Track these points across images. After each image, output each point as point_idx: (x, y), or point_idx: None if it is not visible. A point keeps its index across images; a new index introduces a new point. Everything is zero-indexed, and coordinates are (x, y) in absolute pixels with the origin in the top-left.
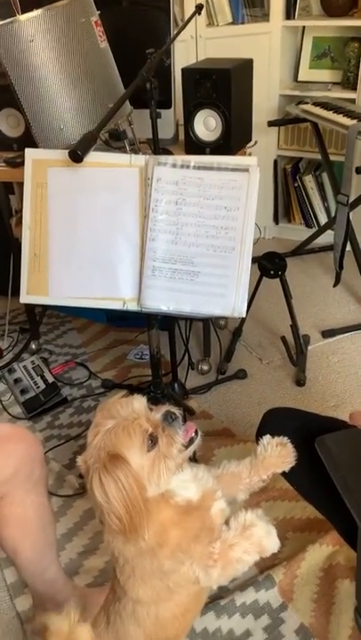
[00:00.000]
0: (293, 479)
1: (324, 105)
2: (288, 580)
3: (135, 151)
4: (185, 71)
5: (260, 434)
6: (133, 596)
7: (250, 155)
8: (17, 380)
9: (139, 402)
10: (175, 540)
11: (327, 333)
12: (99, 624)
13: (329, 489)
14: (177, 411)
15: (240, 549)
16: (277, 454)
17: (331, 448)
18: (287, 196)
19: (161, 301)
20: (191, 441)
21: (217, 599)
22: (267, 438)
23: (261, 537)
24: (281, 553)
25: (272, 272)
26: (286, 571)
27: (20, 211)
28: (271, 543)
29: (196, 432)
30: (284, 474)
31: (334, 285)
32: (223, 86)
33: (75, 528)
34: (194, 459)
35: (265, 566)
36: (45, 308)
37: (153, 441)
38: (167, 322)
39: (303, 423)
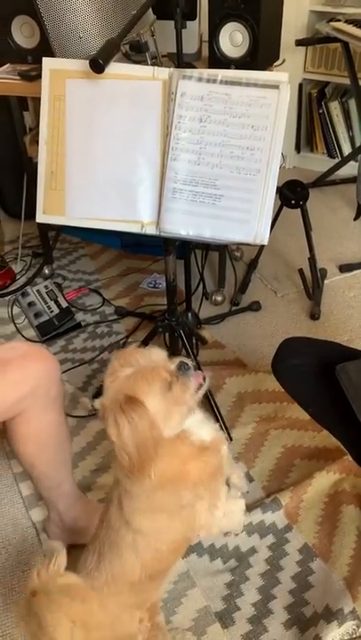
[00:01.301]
0: (310, 407)
1: (358, 23)
2: (294, 504)
3: (157, 65)
4: None
5: (276, 362)
6: (136, 526)
7: None
8: (30, 304)
9: (157, 354)
10: (196, 472)
11: (345, 268)
12: (88, 564)
13: (347, 416)
14: (189, 361)
15: (232, 507)
16: None
17: (352, 375)
18: (311, 123)
19: (180, 226)
20: (200, 387)
21: None
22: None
23: (243, 511)
24: (288, 478)
25: (293, 201)
26: (293, 495)
27: (34, 128)
28: (242, 522)
29: (204, 379)
30: (299, 401)
31: (355, 219)
32: None
33: (88, 447)
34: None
35: (272, 490)
36: (59, 232)
37: (168, 388)
38: (183, 251)
39: (321, 352)
